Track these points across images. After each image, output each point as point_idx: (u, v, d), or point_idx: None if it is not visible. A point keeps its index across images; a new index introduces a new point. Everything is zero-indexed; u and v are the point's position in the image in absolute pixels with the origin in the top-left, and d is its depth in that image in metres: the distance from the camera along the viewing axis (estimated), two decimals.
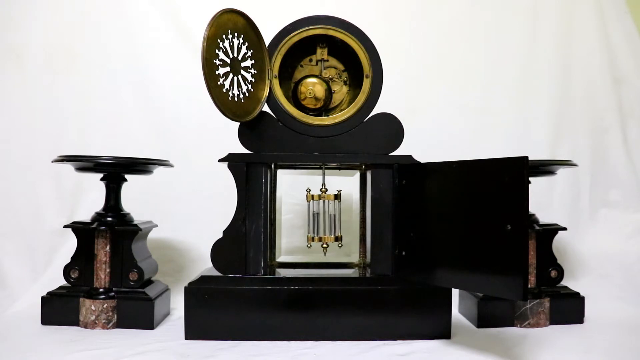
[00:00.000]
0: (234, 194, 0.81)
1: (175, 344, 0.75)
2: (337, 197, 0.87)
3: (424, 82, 1.22)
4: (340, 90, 0.87)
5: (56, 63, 1.13)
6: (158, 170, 0.93)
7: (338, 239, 0.87)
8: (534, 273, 0.88)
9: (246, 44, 0.80)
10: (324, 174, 0.88)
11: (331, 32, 0.84)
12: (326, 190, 0.87)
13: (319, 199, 0.87)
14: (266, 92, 0.82)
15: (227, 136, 0.89)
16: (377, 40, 0.84)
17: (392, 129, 0.83)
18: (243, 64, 0.79)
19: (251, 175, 0.81)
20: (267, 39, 0.83)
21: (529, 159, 0.66)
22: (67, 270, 0.85)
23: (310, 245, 0.88)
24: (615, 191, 1.22)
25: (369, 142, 0.82)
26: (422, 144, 0.98)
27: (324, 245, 0.88)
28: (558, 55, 1.24)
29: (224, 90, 0.76)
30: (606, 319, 0.90)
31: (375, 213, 0.82)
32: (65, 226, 0.87)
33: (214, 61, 0.74)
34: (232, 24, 0.77)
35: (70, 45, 1.13)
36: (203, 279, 0.79)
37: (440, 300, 0.78)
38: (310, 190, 0.87)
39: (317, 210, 0.87)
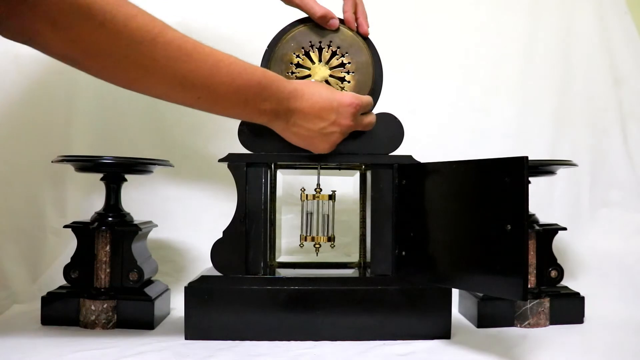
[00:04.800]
0: (234, 194, 0.81)
1: (175, 344, 0.75)
2: (332, 197, 0.87)
3: (424, 82, 1.22)
4: None
5: (56, 62, 1.12)
6: (158, 170, 0.93)
7: (331, 239, 0.87)
8: (534, 273, 0.88)
9: None
10: (319, 174, 0.88)
11: None
12: (320, 190, 0.87)
13: (313, 198, 0.87)
14: None
15: (227, 136, 0.89)
16: (377, 40, 0.84)
17: (392, 129, 0.83)
18: None
19: (251, 175, 0.81)
20: (267, 38, 0.83)
21: (529, 159, 0.66)
22: (67, 270, 0.85)
23: (303, 245, 0.88)
24: (615, 191, 1.22)
25: (369, 142, 0.82)
26: (422, 144, 0.98)
27: (317, 245, 0.88)
28: (558, 55, 1.24)
29: None
30: (606, 319, 0.90)
31: (375, 213, 0.82)
32: (65, 226, 0.87)
33: None
34: None
35: None
36: (203, 279, 0.79)
37: (440, 300, 0.78)
38: (304, 189, 0.87)
39: (311, 210, 0.87)
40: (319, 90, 0.72)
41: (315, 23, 0.82)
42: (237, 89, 0.64)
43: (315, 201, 0.87)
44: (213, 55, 0.62)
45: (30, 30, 0.52)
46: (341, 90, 0.78)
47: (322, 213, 0.87)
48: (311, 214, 0.87)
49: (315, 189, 0.87)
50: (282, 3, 0.83)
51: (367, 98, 0.77)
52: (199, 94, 0.63)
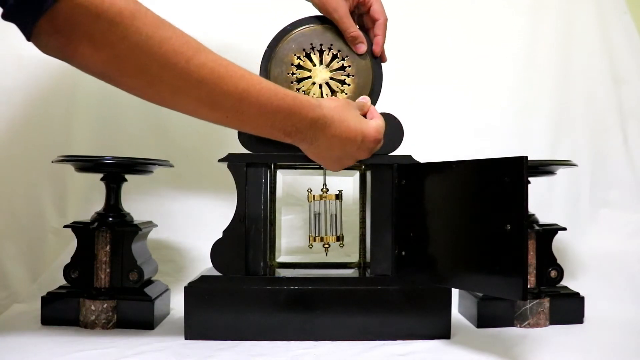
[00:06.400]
0: (234, 194, 0.81)
1: (175, 344, 0.75)
2: (339, 197, 0.88)
3: (424, 82, 1.22)
4: None
5: (56, 63, 1.12)
6: (158, 170, 0.93)
7: (339, 238, 0.88)
8: (534, 273, 0.88)
9: None
10: (325, 175, 0.88)
11: None
12: (327, 190, 0.88)
13: (321, 199, 0.87)
14: None
15: (227, 136, 0.89)
16: None
17: (392, 129, 0.83)
18: None
19: (251, 175, 0.81)
20: (267, 39, 0.83)
21: (529, 159, 0.66)
22: (67, 270, 0.85)
23: (312, 246, 0.88)
24: (615, 191, 1.22)
25: None
26: (422, 144, 0.98)
27: (326, 245, 0.88)
28: (558, 55, 1.24)
29: None
30: (606, 319, 0.90)
31: (375, 213, 0.82)
32: (65, 226, 0.87)
33: None
34: None
35: None
36: (203, 279, 0.79)
37: (440, 300, 0.78)
38: (311, 190, 0.87)
39: (319, 210, 0.87)
40: (348, 119, 0.71)
41: (316, 25, 0.83)
42: (264, 113, 0.65)
43: (322, 201, 0.87)
44: (244, 80, 0.63)
45: (70, 49, 0.54)
46: (365, 117, 0.77)
47: (329, 213, 0.87)
48: (319, 214, 0.87)
49: (321, 189, 0.88)
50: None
51: (383, 126, 0.75)
52: (227, 115, 0.64)
